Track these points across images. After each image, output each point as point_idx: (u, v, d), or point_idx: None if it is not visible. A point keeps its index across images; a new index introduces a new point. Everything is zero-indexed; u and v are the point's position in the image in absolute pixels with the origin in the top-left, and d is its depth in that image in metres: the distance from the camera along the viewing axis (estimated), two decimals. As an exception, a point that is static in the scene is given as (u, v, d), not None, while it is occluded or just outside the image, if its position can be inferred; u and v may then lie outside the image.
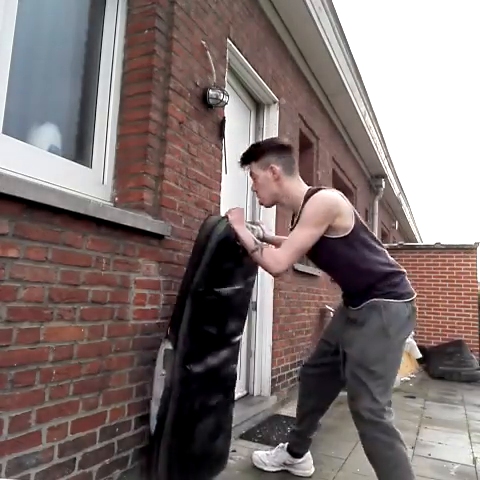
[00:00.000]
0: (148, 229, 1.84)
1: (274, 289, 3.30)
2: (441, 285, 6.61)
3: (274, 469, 2.15)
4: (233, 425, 2.53)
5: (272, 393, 3.23)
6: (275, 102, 3.39)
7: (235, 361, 2.05)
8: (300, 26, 3.43)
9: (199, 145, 2.29)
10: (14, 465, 1.30)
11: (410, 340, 5.50)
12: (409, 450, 2.49)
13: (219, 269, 1.82)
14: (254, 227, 2.01)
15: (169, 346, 1.78)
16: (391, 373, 1.71)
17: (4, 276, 1.28)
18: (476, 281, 6.50)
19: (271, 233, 2.09)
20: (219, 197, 2.49)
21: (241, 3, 2.81)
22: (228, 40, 2.63)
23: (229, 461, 2.23)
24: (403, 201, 9.13)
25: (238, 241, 1.76)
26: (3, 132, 1.51)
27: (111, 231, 1.68)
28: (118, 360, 1.71)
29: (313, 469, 2.16)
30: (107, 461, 1.65)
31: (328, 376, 2.00)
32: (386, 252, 1.78)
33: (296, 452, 2.14)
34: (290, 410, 3.28)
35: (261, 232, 2.04)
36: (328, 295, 4.64)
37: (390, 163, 7.09)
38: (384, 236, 9.19)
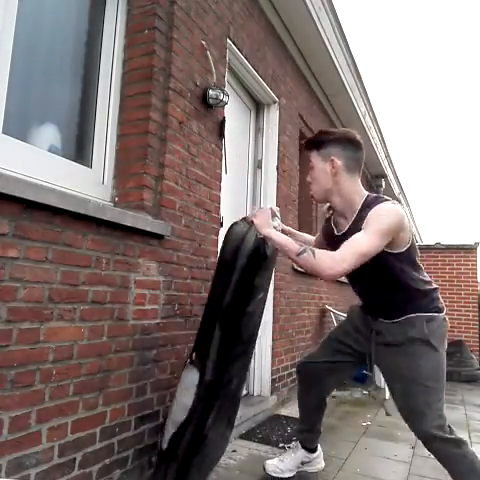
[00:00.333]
0: (148, 229, 1.84)
1: (274, 289, 3.30)
2: (441, 285, 6.58)
3: (293, 473, 2.09)
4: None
5: (272, 393, 3.23)
6: (275, 102, 3.40)
7: (248, 368, 1.98)
8: (300, 26, 3.43)
9: (199, 145, 2.29)
10: (14, 465, 1.30)
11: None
12: (409, 450, 2.51)
13: (251, 286, 1.66)
14: (276, 225, 1.72)
15: (195, 374, 1.65)
16: (444, 386, 1.65)
17: (4, 276, 1.28)
18: (476, 281, 6.50)
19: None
20: (219, 197, 2.49)
21: (241, 3, 2.81)
22: (228, 40, 2.63)
23: (229, 461, 2.23)
24: (403, 201, 9.12)
25: (267, 245, 1.62)
26: (3, 132, 1.51)
27: (111, 231, 1.68)
28: (118, 360, 1.71)
29: (323, 464, 2.19)
30: (107, 461, 1.65)
31: (329, 373, 1.98)
32: (422, 268, 1.74)
33: (310, 447, 2.13)
34: (290, 410, 3.28)
35: (280, 224, 1.83)
36: (328, 295, 4.64)
37: (390, 163, 7.09)
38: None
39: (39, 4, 1.77)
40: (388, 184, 7.54)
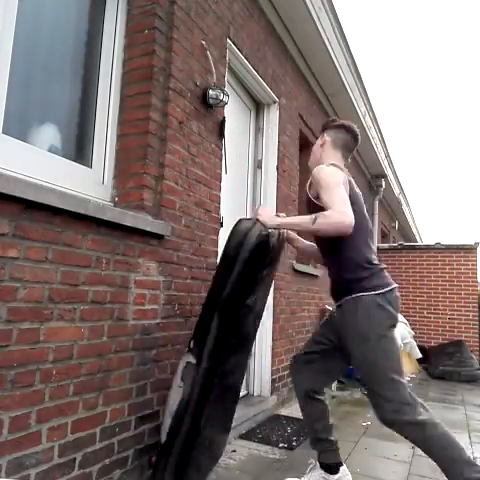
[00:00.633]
0: (148, 229, 1.84)
1: (274, 289, 3.29)
2: (441, 285, 6.60)
3: None
4: (233, 425, 2.54)
5: (272, 393, 3.23)
6: (275, 102, 3.40)
7: (246, 365, 1.99)
8: (300, 26, 3.43)
9: (199, 145, 2.29)
10: (14, 465, 1.30)
11: (410, 340, 5.49)
12: (409, 450, 2.50)
13: (251, 280, 1.71)
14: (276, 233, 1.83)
15: (191, 359, 1.70)
16: (396, 368, 1.70)
17: (4, 276, 1.28)
18: (476, 281, 6.50)
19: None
20: (219, 197, 2.49)
21: (241, 3, 2.81)
22: (228, 40, 2.63)
23: (229, 461, 2.23)
24: (403, 201, 9.13)
25: (270, 241, 1.69)
26: (3, 132, 1.51)
27: (111, 231, 1.68)
28: (118, 360, 1.71)
29: None
30: (107, 461, 1.65)
31: (318, 365, 1.93)
32: (372, 248, 1.81)
33: (328, 464, 1.89)
34: (290, 410, 3.28)
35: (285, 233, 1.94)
36: (328, 295, 4.63)
37: (390, 163, 7.09)
38: (384, 236, 9.19)
39: (39, 4, 1.77)
40: (388, 184, 7.54)
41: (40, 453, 1.38)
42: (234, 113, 2.93)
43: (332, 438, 1.93)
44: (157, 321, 1.94)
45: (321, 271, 3.97)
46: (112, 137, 2.00)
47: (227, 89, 2.54)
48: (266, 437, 2.62)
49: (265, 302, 1.96)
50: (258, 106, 3.40)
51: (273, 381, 3.26)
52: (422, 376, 5.51)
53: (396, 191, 8.25)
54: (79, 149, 1.93)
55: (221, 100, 2.35)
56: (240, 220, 1.78)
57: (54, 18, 1.84)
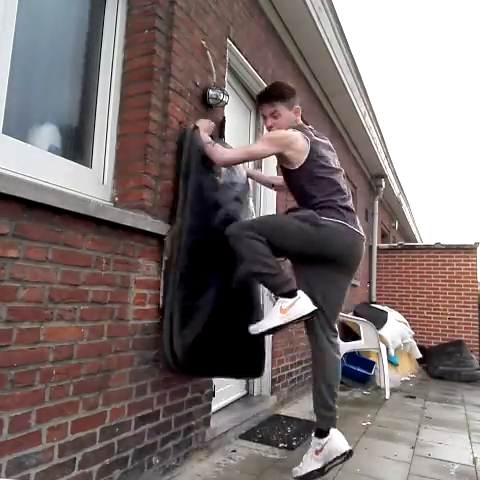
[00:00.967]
0: (148, 229, 1.84)
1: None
2: (441, 285, 6.61)
3: (315, 467, 1.88)
4: (233, 425, 2.55)
5: (272, 393, 3.23)
6: (275, 102, 3.39)
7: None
8: (300, 26, 3.43)
9: (199, 145, 2.28)
10: (14, 465, 1.30)
11: (410, 340, 5.49)
12: (409, 450, 2.50)
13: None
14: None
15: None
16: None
17: (4, 276, 1.28)
18: (476, 281, 6.50)
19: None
20: (219, 197, 2.48)
21: (241, 3, 2.81)
22: (228, 40, 2.63)
23: (229, 461, 2.23)
24: (403, 201, 9.13)
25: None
26: (3, 132, 1.51)
27: (111, 231, 1.68)
28: (118, 360, 1.71)
29: (348, 446, 1.91)
30: (107, 461, 1.65)
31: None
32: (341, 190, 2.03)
33: (324, 429, 1.95)
34: (290, 410, 3.28)
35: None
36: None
37: (390, 163, 7.09)
38: (384, 236, 9.19)
39: (39, 4, 1.77)
40: (388, 184, 7.54)
41: (40, 453, 1.38)
42: (234, 113, 2.93)
43: (335, 406, 2.01)
44: (157, 321, 1.94)
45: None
46: (112, 137, 2.00)
47: (227, 89, 2.54)
48: (266, 437, 2.62)
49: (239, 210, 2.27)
50: (258, 106, 3.39)
51: (273, 381, 3.26)
52: (422, 376, 5.51)
53: (396, 191, 8.25)
54: (79, 149, 1.93)
55: (221, 100, 2.35)
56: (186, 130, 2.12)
57: (54, 18, 1.84)
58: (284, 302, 1.87)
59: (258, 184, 3.33)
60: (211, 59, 2.35)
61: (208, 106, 2.35)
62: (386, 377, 4.11)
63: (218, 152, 2.02)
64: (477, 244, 6.53)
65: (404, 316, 6.06)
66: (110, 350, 1.67)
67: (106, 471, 1.64)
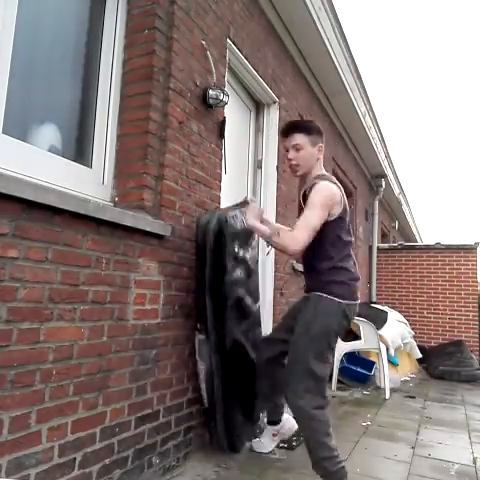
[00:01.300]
0: (148, 229, 1.84)
1: (274, 289, 3.30)
2: (441, 285, 6.60)
3: (270, 449, 2.35)
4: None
5: (272, 393, 3.23)
6: (275, 102, 3.39)
7: (259, 325, 2.34)
8: (300, 26, 3.43)
9: (199, 145, 2.29)
10: (14, 465, 1.30)
11: (410, 340, 5.49)
12: (409, 450, 2.50)
13: (223, 260, 2.06)
14: (237, 214, 2.17)
15: (201, 336, 2.09)
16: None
17: (4, 276, 1.28)
18: (476, 281, 6.50)
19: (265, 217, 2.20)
20: (219, 197, 2.49)
21: (241, 3, 2.81)
22: (228, 40, 2.63)
23: (229, 461, 2.23)
24: (403, 201, 9.13)
25: (225, 227, 2.05)
26: (3, 132, 1.51)
27: (111, 231, 1.68)
28: (118, 360, 1.71)
29: (296, 424, 2.21)
30: (107, 461, 1.65)
31: (280, 348, 2.11)
32: (352, 256, 2.00)
33: (275, 419, 2.33)
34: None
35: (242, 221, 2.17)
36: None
37: (390, 163, 7.09)
38: (384, 236, 9.19)
39: (39, 4, 1.77)
40: (388, 184, 7.54)
41: (40, 453, 1.38)
42: (234, 113, 2.93)
43: (283, 402, 2.25)
44: (157, 321, 1.94)
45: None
46: (112, 137, 2.00)
47: (227, 89, 2.54)
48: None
49: (251, 277, 2.29)
50: (258, 106, 3.40)
51: (273, 381, 3.25)
52: (422, 376, 5.51)
53: (396, 191, 8.25)
54: (79, 149, 1.93)
55: (221, 100, 2.35)
56: (202, 216, 2.17)
57: (54, 18, 1.84)
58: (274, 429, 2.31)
59: (258, 184, 3.34)
60: (211, 59, 2.35)
61: (208, 106, 2.35)
62: (386, 377, 4.11)
63: (289, 243, 1.81)
64: (477, 244, 6.53)
65: (404, 316, 6.06)
66: (110, 350, 1.67)
67: (106, 471, 1.64)
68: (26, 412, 1.34)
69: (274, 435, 2.36)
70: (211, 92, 2.32)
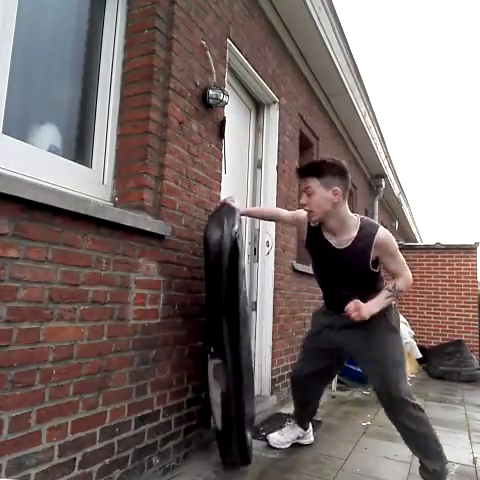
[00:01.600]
0: (148, 229, 1.84)
1: (274, 289, 3.30)
2: (441, 285, 6.61)
3: (289, 445, 2.46)
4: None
5: (272, 393, 3.23)
6: (275, 102, 3.39)
7: (249, 328, 2.28)
8: (300, 26, 3.43)
9: (199, 145, 2.29)
10: (14, 465, 1.30)
11: (410, 340, 5.49)
12: (409, 450, 2.50)
13: (236, 279, 1.98)
14: (240, 227, 2.11)
15: (217, 361, 2.00)
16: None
17: (4, 276, 1.28)
18: (476, 281, 6.50)
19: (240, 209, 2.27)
20: (219, 197, 2.49)
21: (241, 3, 2.81)
22: (228, 40, 2.63)
23: (229, 461, 2.22)
24: (403, 201, 9.12)
25: (238, 244, 1.99)
26: (3, 132, 1.51)
27: (111, 231, 1.68)
28: (118, 360, 1.71)
29: (313, 438, 2.57)
30: (107, 461, 1.65)
31: (319, 378, 2.36)
32: None
33: (305, 427, 2.51)
34: (290, 410, 3.27)
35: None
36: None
37: (390, 163, 7.09)
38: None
39: (39, 4, 1.77)
40: (388, 184, 7.54)
41: (40, 453, 1.38)
42: (234, 113, 2.93)
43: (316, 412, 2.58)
44: (157, 321, 1.94)
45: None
46: (112, 137, 2.00)
47: (227, 89, 2.54)
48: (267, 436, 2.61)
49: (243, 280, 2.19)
50: (258, 106, 3.40)
51: (273, 381, 3.26)
52: (422, 376, 5.51)
53: (396, 191, 8.25)
54: (79, 149, 1.93)
55: (221, 100, 2.35)
56: (210, 231, 1.98)
57: (54, 18, 1.84)
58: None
59: (258, 184, 3.34)
60: (211, 59, 2.35)
61: (208, 106, 2.35)
62: (386, 377, 4.10)
63: (408, 282, 2.04)
64: (477, 244, 6.53)
65: (404, 316, 6.06)
66: (110, 350, 1.67)
67: (106, 471, 1.64)
68: (26, 412, 1.34)
69: (299, 438, 2.50)
70: (211, 92, 2.32)
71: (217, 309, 1.97)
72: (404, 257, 2.18)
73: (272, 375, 3.24)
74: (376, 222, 2.07)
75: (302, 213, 2.12)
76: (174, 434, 2.04)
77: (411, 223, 11.43)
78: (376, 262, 2.00)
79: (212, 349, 2.02)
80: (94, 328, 1.60)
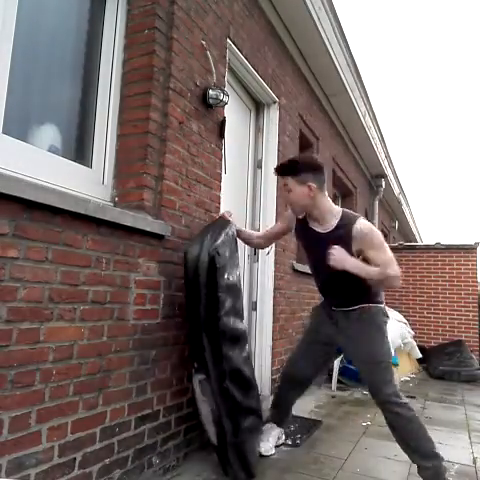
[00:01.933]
0: (148, 229, 1.84)
1: (274, 289, 3.30)
2: (441, 285, 6.60)
3: (273, 451, 2.38)
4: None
5: (272, 393, 3.23)
6: (275, 102, 3.39)
7: (246, 341, 2.20)
8: (300, 26, 3.43)
9: (199, 145, 2.29)
10: (14, 465, 1.30)
11: (410, 340, 5.49)
12: (409, 450, 2.49)
13: (216, 296, 1.93)
14: (230, 234, 2.12)
15: (201, 376, 2.00)
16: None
17: (4, 276, 1.28)
18: (476, 281, 6.49)
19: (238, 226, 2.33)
20: (219, 197, 2.49)
21: (241, 3, 2.81)
22: (228, 40, 2.63)
23: (229, 461, 2.22)
24: (403, 201, 9.13)
25: (217, 258, 1.94)
26: (3, 132, 1.51)
27: (111, 231, 1.68)
28: (118, 360, 1.71)
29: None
30: (107, 461, 1.65)
31: (310, 371, 2.35)
32: None
33: (283, 427, 2.49)
34: (290, 410, 3.27)
35: (235, 231, 2.20)
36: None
37: (390, 163, 7.09)
38: (384, 236, 9.15)
39: (39, 4, 1.77)
40: (388, 184, 7.54)
41: (40, 453, 1.38)
42: (234, 113, 2.93)
43: (291, 407, 2.50)
44: (157, 321, 1.94)
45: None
46: (112, 137, 2.00)
47: (227, 89, 2.54)
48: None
49: (239, 298, 2.14)
50: (258, 106, 3.40)
51: (273, 381, 3.26)
52: (422, 376, 5.50)
53: (396, 191, 8.25)
54: (79, 149, 1.93)
55: (221, 100, 2.35)
56: (189, 247, 1.99)
57: (54, 18, 1.84)
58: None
59: (258, 184, 3.34)
60: (211, 59, 2.35)
61: (208, 106, 2.35)
62: (386, 377, 4.10)
63: (395, 276, 1.93)
64: (477, 244, 6.52)
65: (404, 316, 6.05)
66: (110, 350, 1.67)
67: (106, 471, 1.64)
68: (26, 412, 1.34)
69: (279, 438, 2.46)
70: (211, 92, 2.32)
71: (197, 324, 1.96)
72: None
73: (272, 375, 3.24)
74: (359, 214, 2.08)
75: (287, 211, 2.29)
76: (174, 434, 2.04)
77: (411, 223, 11.44)
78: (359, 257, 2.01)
79: (195, 364, 2.02)
80: (94, 328, 1.60)
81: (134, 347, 1.79)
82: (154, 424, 1.90)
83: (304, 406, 3.37)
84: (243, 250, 3.10)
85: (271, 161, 3.38)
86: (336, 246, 1.92)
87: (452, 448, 2.67)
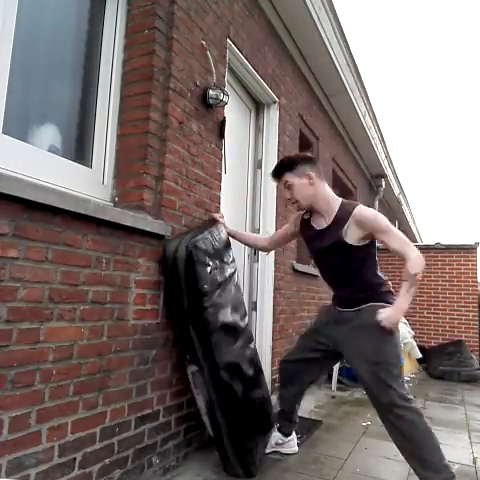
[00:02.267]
0: (148, 229, 1.84)
1: (274, 289, 3.30)
2: (441, 285, 6.60)
3: (269, 450, 2.35)
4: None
5: (272, 393, 3.23)
6: (275, 102, 3.39)
7: (251, 340, 2.25)
8: (300, 26, 3.43)
9: (199, 145, 2.29)
10: (14, 465, 1.30)
11: (410, 340, 5.49)
12: (409, 450, 2.49)
13: (196, 287, 1.93)
14: (216, 233, 2.14)
15: (194, 368, 2.01)
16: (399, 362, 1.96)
17: (4, 276, 1.28)
18: (476, 281, 6.49)
19: (229, 227, 2.36)
20: (219, 197, 2.49)
21: (241, 3, 2.81)
22: (228, 40, 2.63)
23: (229, 461, 2.22)
24: (403, 201, 9.13)
25: (195, 253, 1.94)
26: (3, 132, 1.51)
27: (111, 231, 1.68)
28: (118, 360, 1.71)
29: (297, 448, 2.42)
30: (107, 461, 1.65)
31: (308, 368, 2.27)
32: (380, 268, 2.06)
33: (285, 432, 2.39)
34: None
35: (224, 235, 2.22)
36: (328, 295, 4.63)
37: (390, 163, 7.09)
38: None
39: (39, 4, 1.77)
40: (388, 184, 7.54)
41: (40, 453, 1.38)
42: (234, 113, 2.93)
43: (296, 420, 2.44)
44: (157, 321, 1.94)
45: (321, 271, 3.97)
46: (112, 137, 2.00)
47: (227, 89, 2.54)
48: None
49: (234, 294, 2.15)
50: (258, 106, 3.40)
51: (273, 381, 3.26)
52: (422, 376, 5.51)
53: (396, 191, 8.25)
54: (79, 149, 1.93)
55: (221, 100, 2.35)
56: (166, 243, 1.98)
57: (54, 18, 1.84)
58: None
59: (258, 184, 3.34)
60: (211, 59, 2.35)
61: (208, 106, 2.35)
62: (386, 377, 4.10)
63: (419, 261, 1.83)
64: (477, 244, 6.52)
65: (404, 316, 6.05)
66: (110, 350, 1.67)
67: (106, 471, 1.64)
68: (26, 412, 1.34)
69: (278, 444, 2.38)
70: (211, 92, 2.32)
71: (182, 315, 1.95)
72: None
73: (272, 375, 3.24)
74: (358, 202, 2.03)
75: (294, 215, 2.27)
76: (174, 434, 2.04)
77: (411, 223, 11.44)
78: (359, 247, 1.92)
79: (187, 356, 2.03)
80: (94, 328, 1.60)
81: (134, 347, 1.79)
82: (154, 424, 1.90)
83: (304, 406, 3.37)
84: (243, 250, 3.10)
85: (271, 161, 3.37)
86: (381, 310, 1.86)
87: (452, 448, 2.67)
